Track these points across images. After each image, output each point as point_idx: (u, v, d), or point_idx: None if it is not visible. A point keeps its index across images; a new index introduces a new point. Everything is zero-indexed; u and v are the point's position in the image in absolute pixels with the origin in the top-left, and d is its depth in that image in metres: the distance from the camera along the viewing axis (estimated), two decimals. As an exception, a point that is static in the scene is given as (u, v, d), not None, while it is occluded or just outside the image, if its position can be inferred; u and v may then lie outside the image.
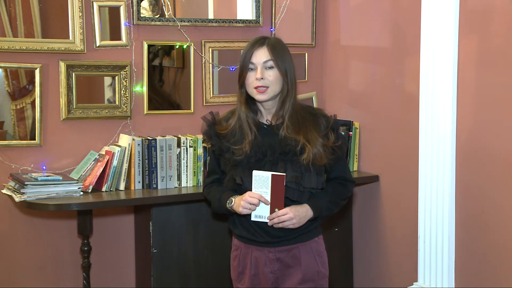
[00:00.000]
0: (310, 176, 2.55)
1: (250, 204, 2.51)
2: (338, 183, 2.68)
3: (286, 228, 2.54)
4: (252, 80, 2.55)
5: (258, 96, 2.56)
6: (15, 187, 3.17)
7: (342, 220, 3.83)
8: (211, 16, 3.75)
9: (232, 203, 2.58)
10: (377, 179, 3.71)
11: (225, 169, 2.64)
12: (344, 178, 2.70)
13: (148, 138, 3.40)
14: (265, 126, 2.62)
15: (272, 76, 2.54)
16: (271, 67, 2.55)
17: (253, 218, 2.54)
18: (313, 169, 2.55)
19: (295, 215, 2.51)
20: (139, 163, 3.36)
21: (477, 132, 3.11)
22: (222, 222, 3.38)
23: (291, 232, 2.58)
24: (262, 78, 2.53)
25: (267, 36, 2.63)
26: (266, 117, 2.63)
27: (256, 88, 2.54)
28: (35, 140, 3.34)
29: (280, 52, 2.57)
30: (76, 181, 3.21)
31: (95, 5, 3.40)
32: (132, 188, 3.36)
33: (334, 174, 2.68)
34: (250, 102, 2.62)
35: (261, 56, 2.55)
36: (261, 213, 2.53)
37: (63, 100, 3.37)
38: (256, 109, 2.64)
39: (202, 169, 3.46)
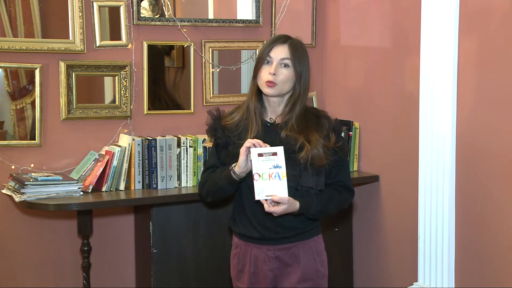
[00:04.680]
0: (308, 175, 2.55)
1: (253, 144, 2.48)
2: (335, 189, 2.64)
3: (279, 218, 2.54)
4: (265, 73, 2.56)
5: (266, 90, 2.57)
6: (15, 187, 3.17)
7: (342, 220, 3.83)
8: (211, 16, 3.75)
9: (234, 165, 2.54)
10: (377, 179, 3.71)
11: (227, 161, 2.64)
12: (342, 184, 2.65)
13: (148, 138, 3.40)
14: (268, 124, 2.63)
15: (285, 75, 2.55)
16: (286, 66, 2.56)
17: (257, 197, 2.48)
18: (311, 169, 2.55)
19: (287, 208, 2.48)
20: (139, 163, 3.36)
21: (477, 132, 3.11)
22: (223, 222, 3.38)
23: (290, 230, 2.59)
24: (274, 74, 2.54)
25: (290, 36, 2.63)
26: (270, 115, 2.64)
27: (266, 82, 2.55)
28: (35, 140, 3.34)
29: (300, 54, 2.58)
30: (76, 181, 3.21)
31: (95, 5, 3.40)
32: (132, 188, 3.36)
33: (333, 179, 2.64)
34: (258, 95, 2.63)
35: (280, 52, 2.56)
36: (266, 192, 2.47)
37: (63, 100, 3.37)
38: (262, 105, 2.65)
39: (202, 169, 3.46)
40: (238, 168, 2.53)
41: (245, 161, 2.51)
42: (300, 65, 2.57)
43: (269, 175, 2.47)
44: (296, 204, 2.52)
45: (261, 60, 2.58)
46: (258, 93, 2.62)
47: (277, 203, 2.47)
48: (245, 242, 2.65)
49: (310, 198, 2.56)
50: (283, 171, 2.47)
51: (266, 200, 2.47)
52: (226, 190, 2.62)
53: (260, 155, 2.46)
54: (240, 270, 2.67)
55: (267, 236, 2.59)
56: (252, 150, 2.47)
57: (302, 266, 2.59)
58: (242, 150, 2.50)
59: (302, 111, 2.60)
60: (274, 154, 2.47)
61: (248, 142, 2.50)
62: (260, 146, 2.48)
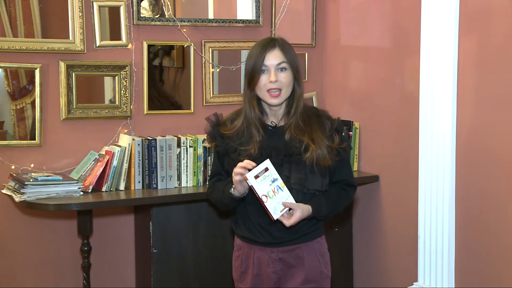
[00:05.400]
0: (314, 178, 2.54)
1: (242, 168, 2.45)
2: (341, 188, 2.65)
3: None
4: (265, 82, 2.52)
5: (271, 100, 2.53)
6: (15, 187, 3.17)
7: (342, 220, 3.83)
8: (211, 16, 3.75)
9: (233, 187, 2.54)
10: (377, 179, 3.71)
11: (230, 169, 2.63)
12: (347, 182, 2.66)
13: (148, 138, 3.40)
14: (270, 127, 2.61)
15: (286, 78, 2.53)
16: (283, 69, 2.53)
17: (275, 217, 2.47)
18: (318, 170, 2.53)
19: (302, 216, 2.49)
20: (139, 163, 3.36)
21: (477, 132, 3.11)
22: (223, 222, 3.39)
23: (294, 233, 2.58)
24: (276, 81, 2.51)
25: (273, 37, 2.61)
26: (272, 118, 2.62)
27: (268, 91, 2.52)
28: (35, 140, 3.34)
29: (290, 52, 2.57)
30: (76, 181, 3.21)
31: (95, 5, 3.40)
32: (132, 188, 3.36)
33: (337, 178, 2.64)
34: (257, 103, 2.61)
35: (274, 58, 2.52)
36: (279, 207, 2.47)
37: (63, 100, 3.37)
38: (261, 110, 2.62)
39: (202, 169, 3.46)
40: (237, 192, 2.52)
41: (240, 184, 2.48)
42: (294, 62, 2.56)
43: (273, 192, 2.46)
44: (308, 208, 2.51)
45: (257, 70, 2.52)
46: (256, 101, 2.59)
47: (289, 211, 2.47)
48: (248, 244, 2.63)
49: (319, 200, 2.56)
50: (280, 181, 2.46)
51: (283, 215, 2.47)
52: (231, 205, 2.63)
53: (256, 176, 2.42)
54: (243, 272, 2.66)
55: (270, 239, 2.59)
56: (248, 176, 2.42)
57: (306, 267, 2.59)
58: (236, 179, 2.47)
59: (301, 107, 2.59)
60: (266, 169, 2.44)
61: (238, 169, 2.45)
62: (250, 166, 2.44)
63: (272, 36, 2.61)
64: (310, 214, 2.52)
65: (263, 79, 2.52)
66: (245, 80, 2.60)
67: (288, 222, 2.47)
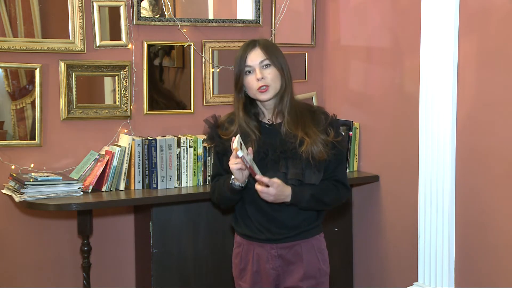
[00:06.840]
0: (310, 172, 2.56)
1: (237, 168, 2.49)
2: (331, 183, 2.64)
3: (285, 223, 2.58)
4: (253, 82, 2.57)
5: (261, 96, 2.58)
6: (15, 187, 3.17)
7: (342, 219, 3.83)
8: (211, 16, 3.75)
9: (232, 177, 2.56)
10: (377, 179, 3.71)
11: (229, 168, 2.64)
12: (338, 180, 2.66)
13: (148, 138, 3.40)
14: (266, 125, 2.64)
15: (271, 74, 2.57)
16: (267, 66, 2.57)
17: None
18: (314, 165, 2.55)
19: (276, 193, 2.49)
20: (139, 163, 3.36)
21: (476, 132, 3.11)
22: (223, 222, 3.39)
23: (293, 229, 2.60)
24: (262, 78, 2.55)
25: (255, 39, 2.66)
26: (268, 116, 2.65)
27: (258, 89, 2.56)
28: (35, 140, 3.34)
29: (273, 50, 2.61)
30: (76, 181, 3.21)
31: (95, 5, 3.40)
32: (132, 188, 3.36)
33: (330, 174, 2.65)
34: (249, 106, 2.65)
35: (256, 57, 2.58)
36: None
37: (63, 100, 3.37)
38: (257, 111, 2.67)
39: (202, 169, 3.47)
40: (237, 180, 2.54)
41: (239, 172, 2.50)
42: (278, 59, 2.60)
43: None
44: (287, 195, 2.52)
45: (242, 73, 2.59)
46: (246, 106, 2.64)
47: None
48: (247, 241, 2.66)
49: (302, 190, 2.57)
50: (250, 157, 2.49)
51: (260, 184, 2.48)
52: (233, 198, 2.65)
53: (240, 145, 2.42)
54: (242, 268, 2.68)
55: (269, 236, 2.61)
56: (236, 145, 2.41)
57: (304, 264, 2.61)
58: (233, 168, 2.49)
59: (292, 103, 2.61)
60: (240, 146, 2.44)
61: (232, 162, 2.48)
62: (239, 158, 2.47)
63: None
64: (290, 195, 2.52)
65: (251, 80, 2.58)
66: (234, 84, 2.64)
67: (271, 180, 2.46)
